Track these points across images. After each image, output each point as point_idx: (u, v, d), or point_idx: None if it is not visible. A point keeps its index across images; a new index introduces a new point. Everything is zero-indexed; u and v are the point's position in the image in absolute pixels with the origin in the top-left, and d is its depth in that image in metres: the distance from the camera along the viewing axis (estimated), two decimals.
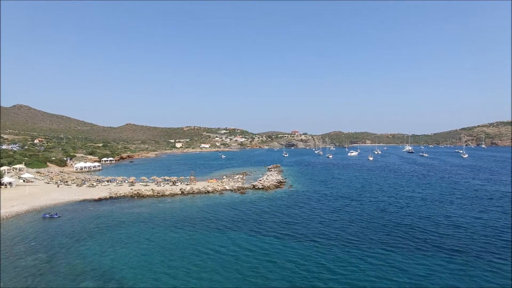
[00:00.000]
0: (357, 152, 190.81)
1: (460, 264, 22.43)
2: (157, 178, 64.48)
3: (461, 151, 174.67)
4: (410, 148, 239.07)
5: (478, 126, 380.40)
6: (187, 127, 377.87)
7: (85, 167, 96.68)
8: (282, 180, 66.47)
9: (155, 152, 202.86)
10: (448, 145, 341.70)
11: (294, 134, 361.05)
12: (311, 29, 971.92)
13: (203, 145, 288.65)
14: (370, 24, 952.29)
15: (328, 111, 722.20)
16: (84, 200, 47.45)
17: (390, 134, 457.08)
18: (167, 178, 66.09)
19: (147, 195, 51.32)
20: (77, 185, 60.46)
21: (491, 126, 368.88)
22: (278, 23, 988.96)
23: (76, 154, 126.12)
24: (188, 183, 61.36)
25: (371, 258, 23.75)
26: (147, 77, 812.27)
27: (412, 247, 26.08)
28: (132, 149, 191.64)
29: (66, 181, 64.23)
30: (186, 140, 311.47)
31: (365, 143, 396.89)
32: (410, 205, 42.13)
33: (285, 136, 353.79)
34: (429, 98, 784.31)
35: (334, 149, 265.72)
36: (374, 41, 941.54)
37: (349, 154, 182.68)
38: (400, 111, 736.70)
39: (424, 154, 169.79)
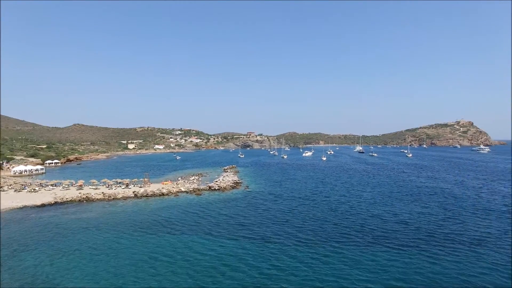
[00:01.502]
0: (311, 153, 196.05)
1: (407, 258, 23.78)
2: (108, 181, 61.33)
3: (406, 151, 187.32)
4: (361, 148, 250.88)
5: (420, 127, 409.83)
6: (141, 128, 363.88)
7: (25, 171, 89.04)
8: (238, 181, 66.39)
9: (105, 154, 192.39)
10: (395, 145, 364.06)
11: (250, 135, 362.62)
12: (262, 31, 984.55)
13: (157, 146, 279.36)
14: (320, 27, 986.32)
15: (283, 113, 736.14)
16: (25, 207, 43.60)
17: (342, 135, 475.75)
18: (119, 180, 63.05)
19: (97, 199, 48.50)
20: (15, 191, 55.45)
21: (431, 127, 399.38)
22: (241, 23, 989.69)
23: (15, 157, 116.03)
24: (142, 186, 59.09)
25: (324, 257, 24.33)
26: (95, 75, 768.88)
27: (363, 244, 27.19)
28: (80, 150, 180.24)
29: (1, 187, 58.71)
30: (139, 141, 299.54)
31: (318, 144, 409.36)
32: (361, 204, 44.08)
33: (241, 137, 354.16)
34: (378, 101, 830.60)
35: (288, 149, 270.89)
36: (324, 45, 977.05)
37: (303, 154, 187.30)
38: (352, 113, 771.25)
39: (374, 154, 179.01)
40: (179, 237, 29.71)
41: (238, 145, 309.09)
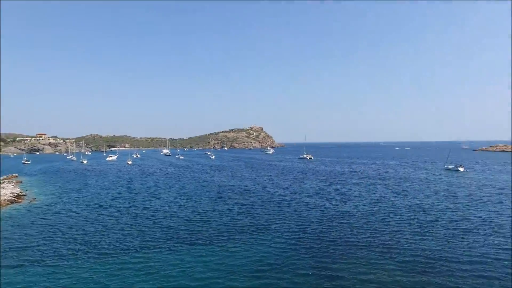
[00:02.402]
0: (115, 157, 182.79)
1: (209, 253, 24.92)
2: None
3: (210, 153, 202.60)
4: (168, 151, 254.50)
5: (222, 131, 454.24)
6: None
7: None
8: (20, 193, 53.57)
9: None
10: (200, 148, 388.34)
11: (40, 137, 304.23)
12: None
13: None
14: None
15: (84, 112, 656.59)
16: None
17: (150, 138, 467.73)
18: None
19: None
20: None
21: (231, 132, 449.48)
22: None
23: None
24: None
25: (127, 265, 22.43)
26: None
27: (169, 247, 26.75)
28: None
29: None
30: None
31: (124, 147, 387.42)
32: (166, 206, 43.81)
33: (27, 140, 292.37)
34: (183, 104, 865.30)
35: (90, 153, 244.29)
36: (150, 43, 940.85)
37: (107, 158, 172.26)
38: (159, 115, 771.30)
39: (180, 157, 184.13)
40: None
41: (23, 150, 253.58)
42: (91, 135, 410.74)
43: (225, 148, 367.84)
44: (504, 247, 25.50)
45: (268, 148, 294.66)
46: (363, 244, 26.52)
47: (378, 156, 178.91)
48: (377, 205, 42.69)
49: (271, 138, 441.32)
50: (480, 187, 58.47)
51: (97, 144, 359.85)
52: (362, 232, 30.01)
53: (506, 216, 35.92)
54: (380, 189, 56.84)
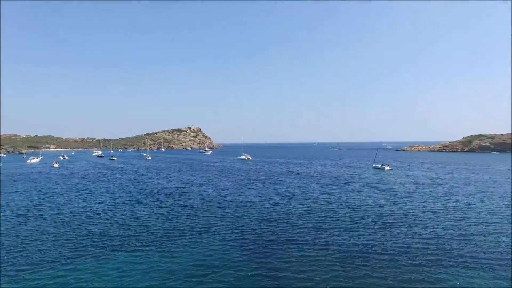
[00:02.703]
0: (38, 159, 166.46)
1: (148, 258, 23.88)
2: None
3: (146, 154, 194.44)
4: (100, 152, 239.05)
5: (159, 132, 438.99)
6: None
7: None
8: None
9: None
10: (135, 149, 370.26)
11: None
12: None
13: None
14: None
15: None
16: None
17: (79, 139, 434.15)
18: None
19: None
20: None
21: (168, 132, 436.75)
22: None
23: None
24: None
25: (53, 279, 20.46)
26: None
27: (103, 256, 25.04)
28: None
29: None
30: None
31: (49, 148, 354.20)
32: (99, 212, 40.94)
33: None
34: (117, 103, 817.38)
35: (5, 156, 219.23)
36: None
37: (28, 161, 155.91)
38: (90, 114, 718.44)
39: (114, 158, 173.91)
40: None
41: None
42: (6, 135, 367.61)
43: (162, 149, 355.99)
44: (424, 237, 28.58)
45: (207, 149, 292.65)
46: (302, 242, 27.60)
47: (313, 156, 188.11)
48: (314, 203, 44.77)
49: (209, 139, 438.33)
50: (403, 183, 64.69)
51: (15, 145, 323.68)
52: (300, 231, 31.21)
53: (424, 209, 40.20)
54: (316, 188, 59.72)
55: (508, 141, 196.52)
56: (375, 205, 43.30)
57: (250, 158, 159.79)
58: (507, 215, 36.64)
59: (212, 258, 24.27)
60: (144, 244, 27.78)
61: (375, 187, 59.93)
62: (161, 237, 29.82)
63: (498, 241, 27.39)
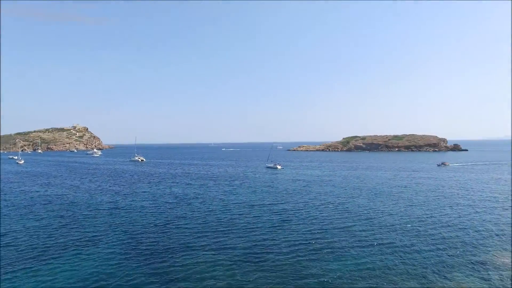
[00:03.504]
0: None
1: (26, 285, 20.61)
2: None
3: (17, 157, 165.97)
4: None
5: (35, 131, 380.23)
6: None
7: None
8: None
9: None
10: (3, 151, 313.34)
11: None
12: None
13: None
14: None
15: None
16: None
17: None
18: None
19: None
20: None
21: (47, 131, 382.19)
22: None
23: None
24: None
25: None
26: None
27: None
28: None
29: None
30: None
31: None
32: None
33: None
34: None
35: None
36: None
37: None
38: None
39: None
40: None
41: None
42: None
43: (40, 151, 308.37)
44: (313, 232, 31.62)
45: (95, 150, 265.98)
46: (199, 246, 27.55)
47: (210, 157, 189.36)
48: (210, 205, 45.16)
49: (98, 139, 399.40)
50: (295, 181, 70.44)
51: None
52: (198, 235, 31.05)
53: (313, 205, 44.56)
54: (213, 189, 60.38)
55: (375, 141, 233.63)
56: (268, 203, 46.04)
57: (144, 160, 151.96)
58: (376, 208, 43.43)
59: (103, 270, 22.33)
60: (15, 264, 23.67)
61: (269, 186, 63.74)
62: (37, 254, 25.80)
63: (361, 230, 32.33)
